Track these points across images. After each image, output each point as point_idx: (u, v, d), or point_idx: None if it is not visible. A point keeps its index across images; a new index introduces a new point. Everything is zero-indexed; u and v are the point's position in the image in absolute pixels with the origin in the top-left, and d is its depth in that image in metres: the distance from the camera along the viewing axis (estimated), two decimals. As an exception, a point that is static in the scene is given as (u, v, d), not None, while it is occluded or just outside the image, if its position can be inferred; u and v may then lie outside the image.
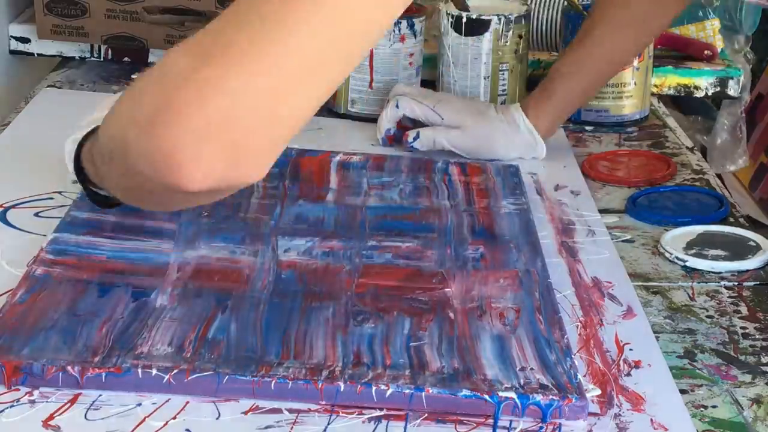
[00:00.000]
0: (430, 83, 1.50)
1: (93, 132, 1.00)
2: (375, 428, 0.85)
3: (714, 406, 0.91)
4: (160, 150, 0.79)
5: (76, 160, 1.04)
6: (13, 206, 1.16)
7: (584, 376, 0.92)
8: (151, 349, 0.90)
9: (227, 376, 0.87)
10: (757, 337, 1.02)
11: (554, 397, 0.87)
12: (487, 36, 1.45)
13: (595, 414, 0.88)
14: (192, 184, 0.80)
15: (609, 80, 1.47)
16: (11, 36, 1.63)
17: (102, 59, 1.62)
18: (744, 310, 1.06)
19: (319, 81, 0.82)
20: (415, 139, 1.36)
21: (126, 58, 1.62)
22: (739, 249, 1.16)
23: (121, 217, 1.10)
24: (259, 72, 0.79)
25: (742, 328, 1.03)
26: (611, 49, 1.37)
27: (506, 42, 1.45)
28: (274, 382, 0.87)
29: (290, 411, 0.86)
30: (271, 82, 0.79)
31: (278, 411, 0.86)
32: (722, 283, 1.11)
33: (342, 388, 0.87)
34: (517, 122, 1.35)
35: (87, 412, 0.85)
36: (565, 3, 1.59)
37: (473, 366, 0.90)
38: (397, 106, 1.37)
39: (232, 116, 0.78)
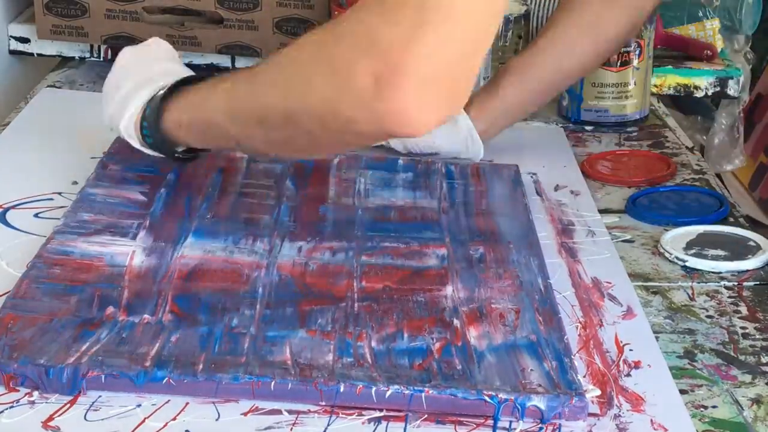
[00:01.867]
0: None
1: (165, 100, 1.09)
2: (375, 429, 0.85)
3: (714, 407, 0.91)
4: (392, 109, 0.88)
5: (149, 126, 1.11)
6: (13, 207, 1.16)
7: (584, 376, 0.92)
8: (150, 350, 0.90)
9: (227, 377, 0.87)
10: (757, 337, 1.02)
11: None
12: (487, 36, 1.44)
13: (594, 414, 0.88)
14: (421, 130, 0.91)
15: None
16: (11, 36, 1.63)
17: (102, 59, 1.62)
18: (744, 310, 1.06)
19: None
20: None
21: (126, 58, 1.62)
22: (739, 249, 1.16)
23: (119, 219, 1.10)
24: (457, 22, 0.88)
25: (742, 328, 1.03)
26: (560, 56, 1.31)
27: (506, 42, 1.45)
28: (273, 383, 0.87)
29: (290, 412, 0.86)
30: (468, 30, 0.89)
31: (278, 412, 0.86)
32: (722, 283, 1.11)
33: (342, 389, 0.87)
34: (455, 116, 1.30)
35: (87, 413, 0.85)
36: (565, 3, 1.58)
37: (473, 367, 0.90)
38: None
39: (452, 63, 0.89)
